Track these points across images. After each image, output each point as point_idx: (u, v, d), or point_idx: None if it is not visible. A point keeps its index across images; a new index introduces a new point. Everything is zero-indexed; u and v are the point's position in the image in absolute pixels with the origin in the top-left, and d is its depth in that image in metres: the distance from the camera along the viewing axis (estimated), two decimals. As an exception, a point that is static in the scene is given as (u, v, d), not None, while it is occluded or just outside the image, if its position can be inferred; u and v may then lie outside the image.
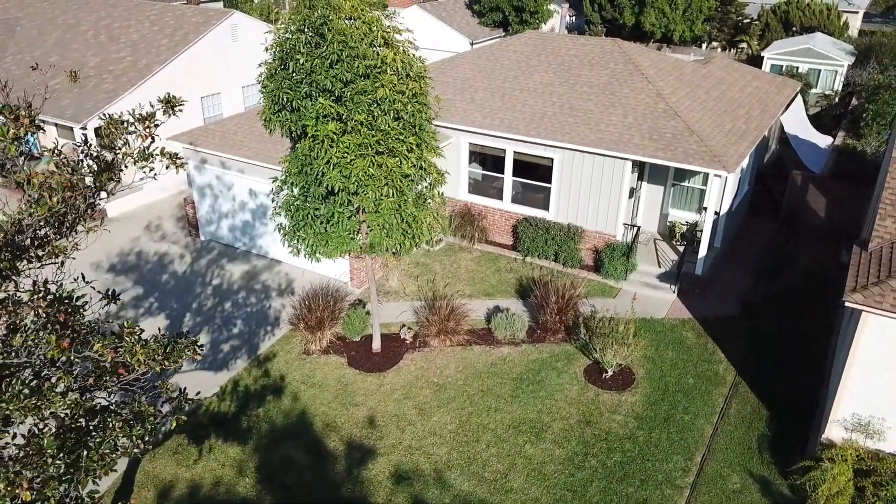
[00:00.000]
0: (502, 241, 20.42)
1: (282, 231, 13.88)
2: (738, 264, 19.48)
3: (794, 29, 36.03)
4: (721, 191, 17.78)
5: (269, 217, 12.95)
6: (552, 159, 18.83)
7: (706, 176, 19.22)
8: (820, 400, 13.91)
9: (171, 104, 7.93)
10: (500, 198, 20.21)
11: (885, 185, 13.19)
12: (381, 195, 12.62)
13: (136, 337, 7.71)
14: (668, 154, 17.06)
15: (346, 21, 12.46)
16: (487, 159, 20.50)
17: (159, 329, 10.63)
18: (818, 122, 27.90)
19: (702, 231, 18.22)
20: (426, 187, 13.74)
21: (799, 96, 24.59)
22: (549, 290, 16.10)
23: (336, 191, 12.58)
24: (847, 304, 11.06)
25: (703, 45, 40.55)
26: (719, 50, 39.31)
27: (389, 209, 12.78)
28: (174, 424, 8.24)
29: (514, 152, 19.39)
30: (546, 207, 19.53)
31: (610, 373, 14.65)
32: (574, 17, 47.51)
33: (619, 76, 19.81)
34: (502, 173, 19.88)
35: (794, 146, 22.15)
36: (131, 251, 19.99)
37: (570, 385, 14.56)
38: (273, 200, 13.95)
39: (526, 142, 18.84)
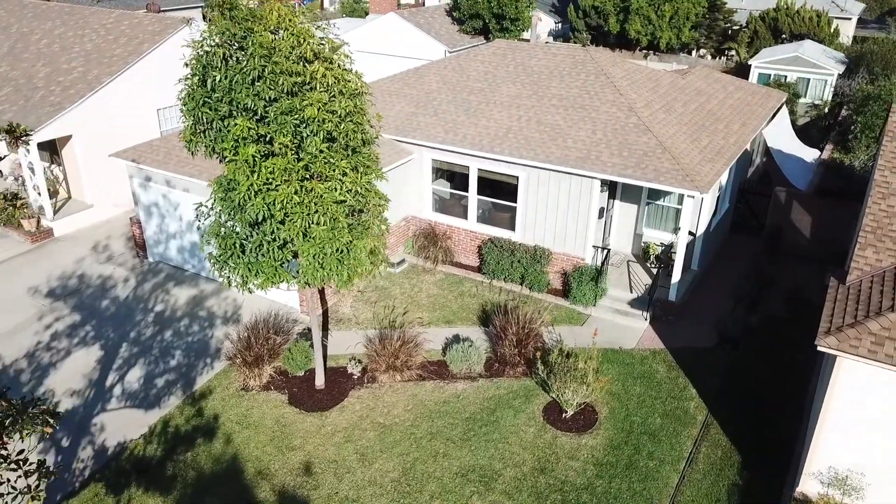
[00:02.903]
0: (468, 263, 19.30)
1: (211, 260, 12.75)
2: (716, 288, 18.34)
3: (784, 36, 34.95)
4: (696, 211, 16.67)
5: (199, 248, 11.98)
6: (517, 177, 17.71)
7: (682, 195, 18.08)
8: (796, 447, 12.75)
9: (14, 134, 6.75)
10: (465, 217, 19.09)
11: (866, 209, 12.07)
12: (312, 222, 11.49)
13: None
14: (637, 172, 15.95)
15: (272, 33, 11.37)
16: (452, 177, 19.40)
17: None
18: (806, 133, 26.81)
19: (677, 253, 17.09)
20: (367, 213, 12.61)
21: (784, 108, 23.48)
22: (509, 321, 14.96)
23: (261, 219, 11.47)
24: (820, 348, 9.93)
25: (692, 53, 39.47)
26: (708, 58, 38.24)
27: (322, 238, 11.64)
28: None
29: (479, 169, 18.28)
30: (512, 228, 18.40)
31: (570, 413, 13.50)
32: (560, 24, 46.47)
33: (589, 88, 18.71)
34: (467, 191, 18.76)
35: (777, 161, 21.02)
36: (73, 274, 18.84)
37: (526, 426, 13.41)
38: (198, 228, 12.83)
39: (490, 159, 17.72)
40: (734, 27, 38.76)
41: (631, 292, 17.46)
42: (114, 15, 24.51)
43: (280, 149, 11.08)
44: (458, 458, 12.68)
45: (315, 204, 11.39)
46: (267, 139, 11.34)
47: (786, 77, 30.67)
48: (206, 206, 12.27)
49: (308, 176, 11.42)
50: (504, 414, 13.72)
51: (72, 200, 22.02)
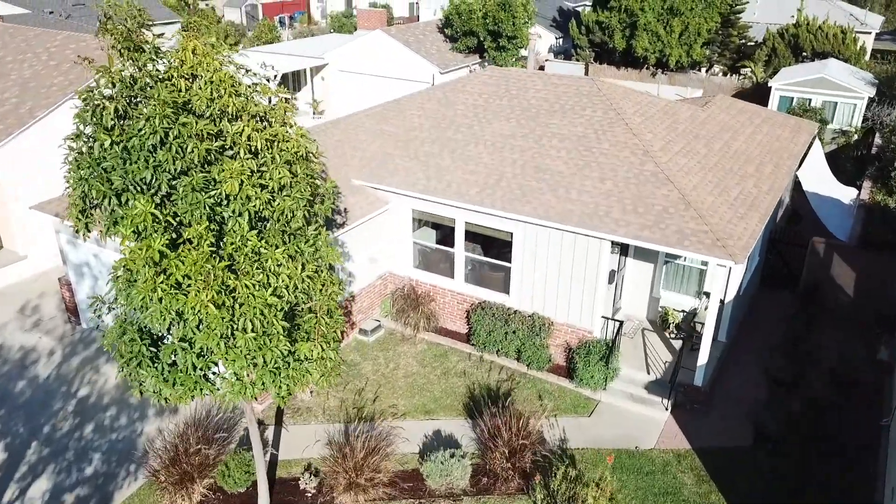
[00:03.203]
0: (454, 329, 16.47)
1: (118, 361, 9.96)
2: (747, 364, 15.50)
3: (805, 55, 32.19)
4: (726, 279, 13.86)
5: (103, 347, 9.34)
6: (511, 233, 14.91)
7: (707, 252, 15.29)
8: None
9: None
10: (452, 275, 16.28)
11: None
12: (237, 328, 8.70)
13: None
14: (656, 234, 13.15)
15: (186, 80, 8.62)
16: (436, 228, 16.61)
17: None
18: (835, 162, 23.98)
19: (703, 324, 14.29)
20: (315, 304, 9.82)
21: (818, 141, 20.69)
22: (501, 423, 12.13)
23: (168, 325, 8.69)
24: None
25: (704, 71, 36.72)
26: (721, 75, 35.46)
27: (250, 349, 8.84)
28: None
29: (467, 222, 15.49)
30: (506, 290, 15.58)
31: (577, 552, 10.67)
32: (561, 40, 43.77)
33: (597, 126, 15.93)
34: (453, 246, 15.96)
35: (814, 208, 18.24)
36: (-9, 345, 16.06)
37: (521, 572, 10.58)
38: (96, 320, 10.03)
39: (479, 212, 14.94)
40: (749, 43, 36.03)
41: (648, 373, 14.62)
42: (60, 37, 21.79)
43: (194, 238, 8.30)
44: None
45: (240, 306, 8.60)
46: (177, 222, 8.58)
47: (810, 101, 27.88)
48: (103, 301, 9.48)
49: (231, 271, 8.63)
50: (493, 552, 10.90)
51: (3, 251, 19.25)
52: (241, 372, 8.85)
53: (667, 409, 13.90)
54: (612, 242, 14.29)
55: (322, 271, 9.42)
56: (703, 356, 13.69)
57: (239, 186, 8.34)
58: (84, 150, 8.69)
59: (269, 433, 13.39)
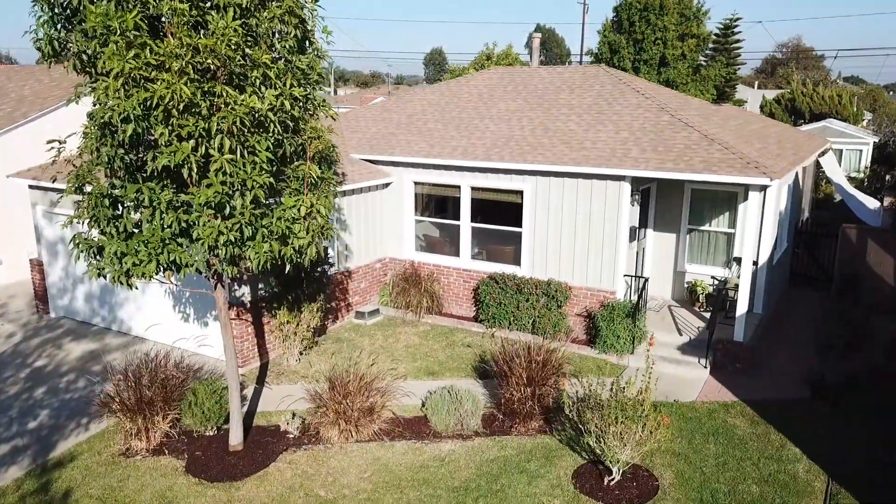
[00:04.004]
0: (461, 313, 14.91)
1: (75, 243, 8.59)
2: (789, 336, 13.86)
3: (804, 120, 32.47)
4: (759, 215, 12.56)
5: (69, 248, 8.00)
6: (522, 192, 13.81)
7: (733, 216, 14.13)
8: None
9: None
10: (457, 253, 14.96)
11: None
12: (212, 142, 7.48)
13: None
14: (681, 165, 12.08)
15: None
16: (439, 206, 15.50)
17: None
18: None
19: (736, 287, 12.86)
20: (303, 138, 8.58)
21: (832, 153, 20.06)
22: (516, 354, 10.39)
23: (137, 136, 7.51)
24: None
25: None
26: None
27: (226, 172, 7.56)
28: None
29: (472, 188, 14.42)
30: (517, 261, 14.22)
31: (617, 476, 8.66)
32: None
33: (607, 96, 15.32)
34: (458, 219, 14.79)
35: (841, 195, 17.24)
36: (-54, 330, 14.42)
37: (548, 497, 8.51)
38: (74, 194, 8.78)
39: (486, 170, 13.94)
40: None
41: (680, 335, 12.96)
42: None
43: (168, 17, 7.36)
44: (441, 546, 7.73)
45: (218, 111, 7.45)
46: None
47: (815, 149, 27.62)
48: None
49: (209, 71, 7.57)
50: (513, 481, 8.86)
51: (-24, 256, 17.99)
52: (214, 199, 7.46)
53: (706, 368, 12.12)
54: (633, 193, 13.20)
55: (314, 97, 8.31)
56: (742, 306, 12.13)
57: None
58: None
59: (249, 392, 11.56)
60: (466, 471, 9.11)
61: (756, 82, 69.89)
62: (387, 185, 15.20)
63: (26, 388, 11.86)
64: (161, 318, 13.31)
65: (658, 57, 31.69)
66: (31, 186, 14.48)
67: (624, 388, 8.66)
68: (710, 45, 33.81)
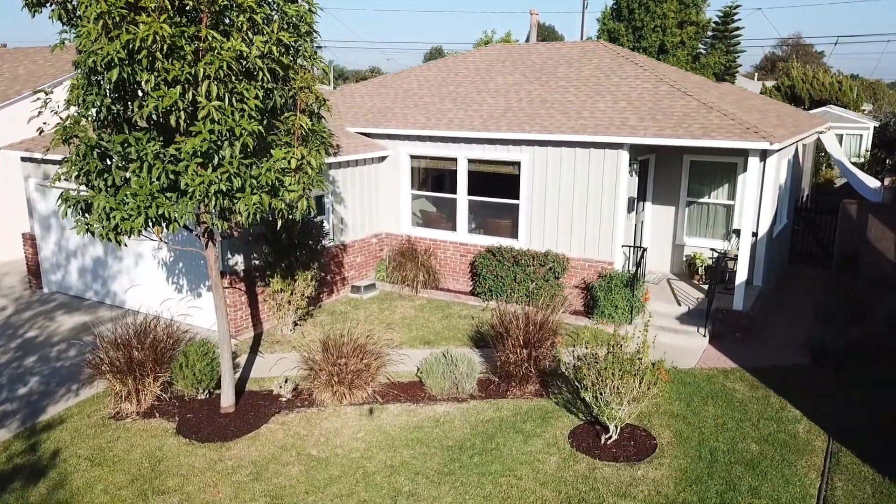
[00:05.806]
0: (458, 287, 14.77)
1: (63, 198, 8.44)
2: (789, 308, 13.72)
3: (804, 106, 32.33)
4: (759, 185, 12.42)
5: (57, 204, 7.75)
6: (519, 163, 13.67)
7: (733, 188, 13.99)
8: None
9: None
10: (454, 228, 14.82)
11: None
12: (199, 87, 7.34)
13: None
14: (679, 131, 11.93)
15: None
16: (436, 180, 15.36)
17: None
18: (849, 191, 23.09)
19: (735, 258, 12.73)
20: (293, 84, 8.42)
21: (832, 132, 19.91)
22: (513, 318, 10.24)
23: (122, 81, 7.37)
24: None
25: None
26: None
27: (213, 119, 7.42)
28: None
29: (469, 160, 14.28)
30: (515, 234, 14.08)
31: (614, 435, 8.52)
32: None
33: (605, 69, 15.18)
34: (454, 193, 14.64)
35: (841, 170, 17.10)
36: (-63, 304, 14.28)
37: (544, 455, 8.37)
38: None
39: (483, 140, 13.80)
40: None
41: (679, 306, 12.82)
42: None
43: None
44: (434, 500, 7.57)
45: (204, 57, 7.31)
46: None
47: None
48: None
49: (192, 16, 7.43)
50: (509, 440, 8.72)
51: (-30, 236, 17.84)
52: (202, 147, 7.32)
53: (705, 337, 11.98)
54: (631, 163, 13.06)
55: (304, 48, 8.16)
56: (742, 275, 11.99)
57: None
58: None
59: (242, 360, 11.42)
60: (461, 431, 8.97)
61: (756, 75, 69.77)
62: (382, 158, 15.06)
63: (17, 357, 11.72)
64: (154, 291, 13.17)
65: (657, 45, 31.61)
66: (23, 159, 14.33)
67: (621, 344, 8.52)
68: (710, 33, 33.80)
